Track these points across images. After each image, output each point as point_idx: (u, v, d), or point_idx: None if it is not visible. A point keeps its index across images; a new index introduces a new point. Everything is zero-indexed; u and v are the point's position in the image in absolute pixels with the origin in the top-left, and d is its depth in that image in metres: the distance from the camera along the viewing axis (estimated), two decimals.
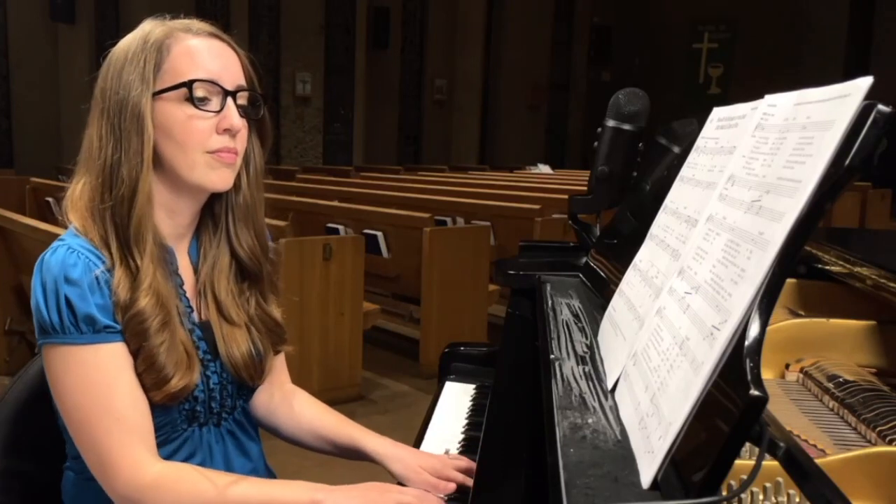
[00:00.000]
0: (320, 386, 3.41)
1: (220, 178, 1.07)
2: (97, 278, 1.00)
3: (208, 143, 1.05)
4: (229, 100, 1.06)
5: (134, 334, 1.01)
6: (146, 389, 1.02)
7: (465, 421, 1.37)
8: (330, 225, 4.60)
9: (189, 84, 1.04)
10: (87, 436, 1.00)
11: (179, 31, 1.07)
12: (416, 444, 1.25)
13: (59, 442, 1.20)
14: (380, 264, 4.35)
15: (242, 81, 1.10)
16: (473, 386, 1.53)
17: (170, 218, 1.11)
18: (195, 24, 1.10)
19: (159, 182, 1.07)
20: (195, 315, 1.13)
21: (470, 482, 1.10)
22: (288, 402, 1.28)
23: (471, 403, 1.45)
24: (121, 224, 1.03)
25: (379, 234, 4.36)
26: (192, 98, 1.04)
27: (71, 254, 1.01)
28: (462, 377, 1.58)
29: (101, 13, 10.14)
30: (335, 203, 5.26)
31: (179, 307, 1.08)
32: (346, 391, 3.63)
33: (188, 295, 1.14)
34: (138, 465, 0.99)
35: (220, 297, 1.14)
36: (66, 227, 1.09)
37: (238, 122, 1.07)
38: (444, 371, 1.61)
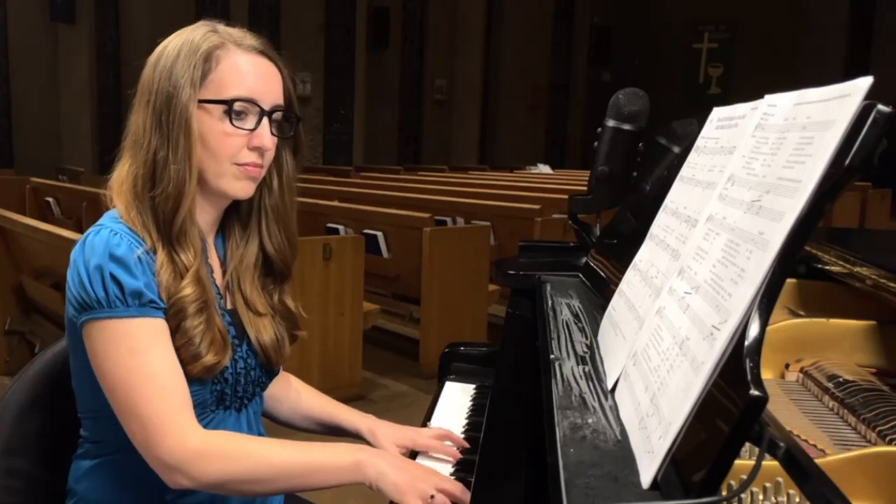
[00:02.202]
0: (320, 386, 3.36)
1: (242, 188, 1.13)
2: (140, 259, 1.05)
3: (238, 157, 1.11)
4: (264, 119, 1.12)
5: (175, 313, 1.06)
6: (183, 363, 1.07)
7: (465, 421, 1.37)
8: (330, 225, 4.60)
9: (230, 102, 1.09)
10: (132, 406, 1.02)
11: (231, 44, 1.11)
12: (412, 455, 1.26)
13: (60, 441, 1.20)
14: (380, 264, 4.35)
15: (281, 101, 1.15)
16: (473, 386, 1.53)
17: (197, 215, 1.15)
18: (248, 38, 1.14)
19: None
20: (223, 302, 1.19)
21: (443, 448, 1.21)
22: (285, 389, 1.37)
23: (471, 403, 1.45)
24: (164, 219, 1.08)
25: (379, 234, 4.35)
26: (231, 115, 1.09)
27: (114, 235, 1.06)
28: (462, 377, 1.58)
29: (101, 13, 10.14)
30: (335, 203, 5.26)
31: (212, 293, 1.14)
32: (346, 391, 3.63)
33: (217, 283, 1.19)
34: (184, 432, 1.02)
35: (245, 291, 1.20)
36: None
37: (269, 143, 1.12)
38: (444, 371, 1.61)
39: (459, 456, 1.22)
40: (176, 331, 1.07)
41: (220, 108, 1.09)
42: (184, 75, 1.08)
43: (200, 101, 1.09)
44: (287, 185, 1.21)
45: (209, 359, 1.08)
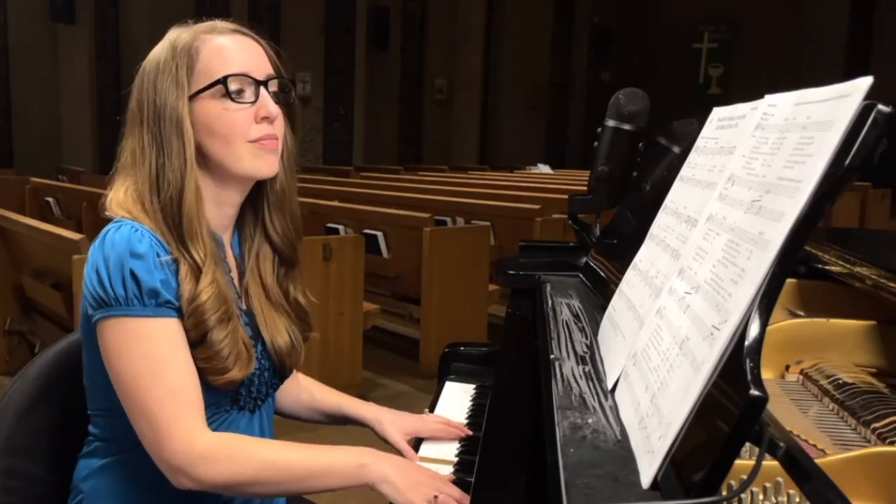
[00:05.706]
0: None
1: (266, 165, 1.12)
2: (162, 262, 1.04)
3: (249, 133, 1.10)
4: (262, 89, 1.11)
5: (196, 324, 1.05)
6: (208, 373, 1.06)
7: (465, 421, 1.37)
8: (330, 225, 4.59)
9: (223, 80, 1.08)
10: (141, 406, 1.02)
11: (205, 34, 1.12)
12: (416, 444, 1.27)
13: (61, 441, 1.20)
14: (380, 264, 4.34)
15: (271, 70, 1.15)
16: (473, 386, 1.53)
17: (217, 209, 1.15)
18: (219, 24, 1.15)
19: (207, 178, 1.12)
20: (241, 302, 1.18)
21: (449, 431, 1.25)
22: (290, 382, 1.35)
23: (471, 403, 1.45)
24: (173, 224, 1.07)
25: (379, 234, 4.35)
26: (228, 92, 1.09)
27: (135, 231, 1.04)
28: (462, 377, 1.58)
29: (101, 13, 10.13)
30: (335, 203, 5.26)
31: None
32: (346, 391, 3.56)
33: (235, 282, 1.18)
34: (190, 435, 1.01)
35: (266, 281, 1.20)
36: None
37: (274, 108, 1.12)
38: (444, 371, 1.61)
39: (468, 432, 1.25)
40: (201, 343, 1.05)
41: (216, 90, 1.08)
42: (167, 81, 1.08)
43: (192, 95, 1.08)
44: (289, 164, 1.19)
45: (235, 373, 1.07)
